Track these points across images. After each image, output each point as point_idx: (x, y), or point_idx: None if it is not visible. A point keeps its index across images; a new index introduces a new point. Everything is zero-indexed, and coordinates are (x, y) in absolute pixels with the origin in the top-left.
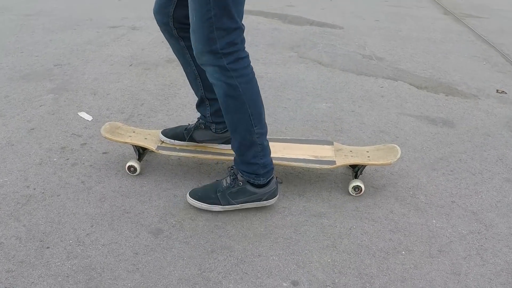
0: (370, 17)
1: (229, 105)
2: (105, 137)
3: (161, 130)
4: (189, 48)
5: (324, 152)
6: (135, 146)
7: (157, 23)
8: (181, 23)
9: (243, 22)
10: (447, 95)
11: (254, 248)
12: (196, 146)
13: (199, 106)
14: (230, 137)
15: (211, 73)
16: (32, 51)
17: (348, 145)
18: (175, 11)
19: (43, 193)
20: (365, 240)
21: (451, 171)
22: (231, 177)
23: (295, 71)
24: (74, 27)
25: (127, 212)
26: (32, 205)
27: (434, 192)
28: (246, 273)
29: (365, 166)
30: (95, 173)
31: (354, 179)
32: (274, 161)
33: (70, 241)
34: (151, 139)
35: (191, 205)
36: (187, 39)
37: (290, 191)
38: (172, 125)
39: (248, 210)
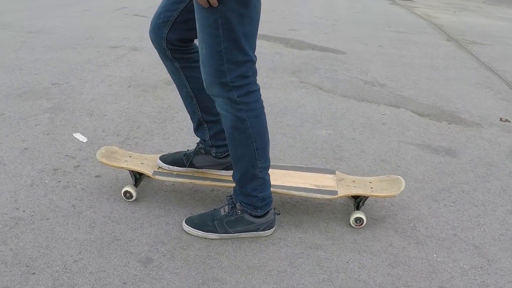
0: (373, 43)
1: (235, 137)
2: (101, 162)
3: (159, 156)
4: (184, 69)
5: (325, 181)
6: (131, 171)
7: (152, 43)
8: (174, 45)
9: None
10: (449, 123)
11: (247, 281)
12: (194, 171)
13: (197, 130)
14: (230, 163)
15: (220, 104)
16: (31, 69)
17: (349, 174)
18: (169, 34)
19: (32, 216)
20: (362, 275)
21: (453, 202)
22: (230, 206)
23: (295, 97)
24: (74, 46)
25: (117, 239)
26: (21, 228)
27: (435, 224)
28: None
29: (368, 197)
30: (86, 197)
31: (356, 211)
32: (273, 189)
33: (57, 268)
34: (147, 164)
35: (185, 232)
36: (182, 60)
37: (286, 221)
38: (168, 149)
39: (242, 241)
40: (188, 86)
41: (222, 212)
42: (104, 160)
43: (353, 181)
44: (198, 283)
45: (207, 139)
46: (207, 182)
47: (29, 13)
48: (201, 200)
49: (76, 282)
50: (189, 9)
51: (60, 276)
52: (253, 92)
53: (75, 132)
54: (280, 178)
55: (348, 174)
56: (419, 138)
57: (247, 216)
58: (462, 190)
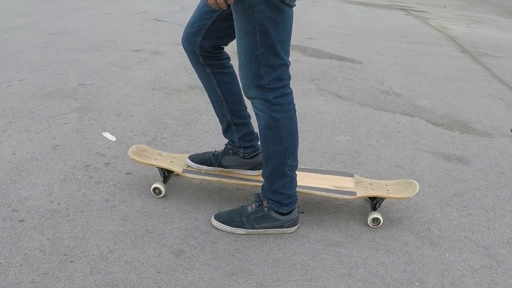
0: (388, 53)
1: (268, 136)
2: (132, 159)
3: (188, 155)
4: (215, 74)
5: (344, 183)
6: (161, 168)
7: (185, 50)
8: (207, 52)
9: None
10: (462, 133)
11: (273, 273)
12: (221, 171)
13: (226, 132)
14: (257, 163)
15: (256, 105)
16: (56, 69)
17: (366, 178)
18: (202, 41)
19: (67, 208)
20: (380, 270)
21: (465, 207)
22: (257, 203)
23: (314, 103)
24: (97, 48)
25: (150, 232)
26: (56, 219)
27: (447, 226)
28: None
29: (384, 199)
30: (118, 193)
31: (373, 211)
32: (299, 190)
33: (94, 257)
34: (177, 162)
35: (213, 227)
36: (213, 66)
37: (308, 220)
38: (194, 150)
39: (268, 236)
40: (219, 91)
41: (250, 209)
42: (135, 157)
43: (371, 184)
44: (227, 274)
45: (235, 140)
46: (234, 181)
47: (50, 15)
48: (227, 198)
49: (113, 270)
50: (222, 18)
51: (97, 264)
52: (287, 94)
53: (104, 131)
54: (301, 180)
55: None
56: (433, 146)
57: (273, 213)
58: (474, 196)
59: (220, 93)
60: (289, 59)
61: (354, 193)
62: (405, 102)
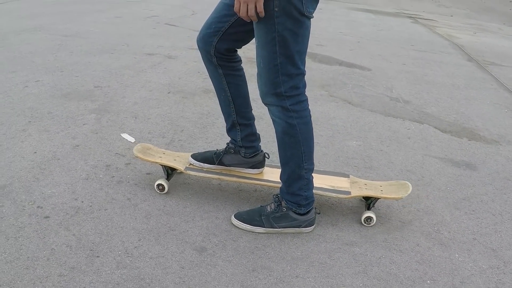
0: (396, 61)
1: (285, 141)
2: (137, 157)
3: (190, 154)
4: (226, 75)
5: (340, 183)
6: (165, 166)
7: (199, 50)
8: (221, 54)
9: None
10: (470, 140)
11: (292, 270)
12: (222, 169)
13: (230, 131)
14: (256, 162)
15: (273, 112)
16: (72, 71)
17: (365, 179)
18: (218, 43)
19: (90, 206)
20: (393, 269)
21: (473, 211)
22: (276, 204)
23: (326, 109)
24: (111, 51)
25: (172, 230)
26: (81, 216)
27: (457, 229)
28: None
29: (378, 199)
30: (140, 192)
31: (367, 211)
32: None
33: (119, 252)
34: (180, 160)
35: (234, 226)
36: (225, 67)
37: (324, 220)
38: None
39: (286, 236)
40: (228, 91)
41: (269, 209)
42: (140, 155)
43: (365, 184)
44: (248, 270)
45: (238, 139)
46: (234, 179)
47: (61, 17)
48: (246, 199)
49: (138, 265)
50: (240, 22)
51: (122, 259)
52: (302, 101)
53: (123, 132)
54: None
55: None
56: (442, 152)
57: (291, 213)
58: (481, 201)
59: (229, 94)
60: None
61: (349, 193)
62: (414, 109)
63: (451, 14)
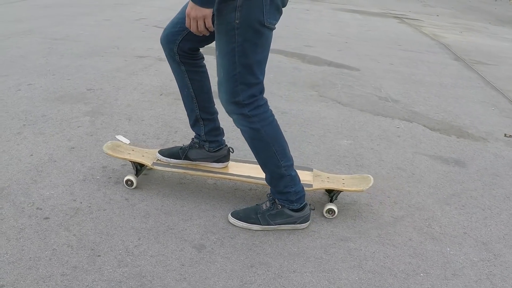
0: (384, 61)
1: (255, 146)
2: (107, 154)
3: (158, 150)
4: (188, 72)
5: (303, 176)
6: (133, 162)
7: (163, 47)
8: (184, 52)
9: None
10: (458, 137)
11: (289, 265)
12: (188, 164)
13: (194, 126)
14: (221, 156)
15: (236, 121)
16: (64, 74)
17: (328, 172)
18: (182, 42)
19: (89, 206)
20: (387, 263)
21: (463, 206)
22: (270, 202)
23: (316, 109)
24: (101, 54)
25: (171, 229)
26: (80, 217)
27: (447, 224)
28: (284, 286)
29: (340, 191)
30: (137, 192)
31: (329, 203)
32: (257, 181)
33: (120, 251)
34: (148, 156)
35: (231, 224)
36: (187, 64)
37: (318, 217)
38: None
39: (282, 233)
40: (191, 87)
41: (264, 207)
42: (110, 152)
43: (328, 177)
44: (247, 266)
45: (202, 134)
46: (199, 173)
47: (50, 21)
48: (241, 197)
49: (139, 264)
50: None
51: (124, 258)
52: (261, 105)
53: (117, 134)
54: (262, 172)
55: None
56: (431, 149)
57: (286, 210)
58: (471, 196)
59: (191, 90)
60: (291, 66)
61: (310, 185)
62: (403, 108)
63: (437, 14)
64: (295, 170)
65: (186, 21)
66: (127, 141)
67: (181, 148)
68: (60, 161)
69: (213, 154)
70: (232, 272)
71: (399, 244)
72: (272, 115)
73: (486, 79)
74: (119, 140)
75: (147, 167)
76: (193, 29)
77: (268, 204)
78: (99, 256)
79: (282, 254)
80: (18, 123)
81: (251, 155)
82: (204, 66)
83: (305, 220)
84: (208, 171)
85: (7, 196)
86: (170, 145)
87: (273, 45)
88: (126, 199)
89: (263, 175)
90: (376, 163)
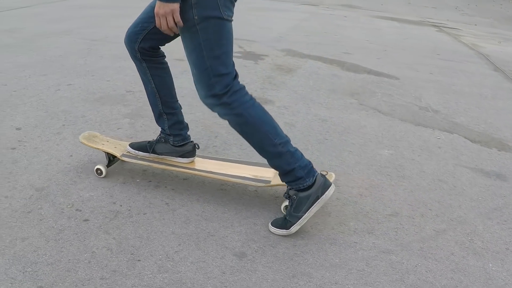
0: (423, 70)
1: (245, 132)
2: (82, 143)
3: (129, 143)
4: (150, 68)
5: (264, 173)
6: (106, 152)
7: (126, 46)
8: (145, 50)
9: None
10: (499, 150)
11: (331, 276)
12: (155, 157)
13: (158, 120)
14: (186, 151)
15: (219, 112)
16: (103, 75)
17: (406, 191)
18: (143, 41)
19: (129, 210)
20: (429, 277)
21: (505, 221)
22: (288, 199)
23: (356, 117)
24: None
25: (212, 235)
26: (120, 220)
27: (489, 239)
28: None
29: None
30: (177, 197)
31: (286, 199)
32: (218, 176)
33: (160, 256)
34: (120, 148)
35: (272, 233)
36: (149, 61)
37: (360, 228)
38: (245, 158)
39: (323, 243)
40: (153, 83)
41: (288, 207)
42: (85, 141)
43: None
44: (289, 276)
45: (166, 128)
46: (163, 166)
47: (86, 22)
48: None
49: (180, 270)
50: None
51: (164, 263)
52: (237, 91)
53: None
54: (226, 169)
55: (406, 191)
56: (472, 162)
57: (301, 194)
58: None
59: (154, 85)
60: (330, 73)
61: (269, 182)
62: (443, 118)
63: (475, 23)
64: (294, 147)
65: (156, 21)
66: None
67: (149, 142)
68: (100, 163)
69: (178, 149)
70: (274, 282)
71: (441, 258)
72: (253, 99)
73: None
74: None
75: (118, 159)
76: (163, 27)
77: (287, 202)
78: (139, 260)
79: (323, 265)
80: (57, 123)
81: (250, 156)
82: (165, 63)
83: (325, 188)
84: (172, 165)
85: (47, 196)
86: (210, 150)
87: (310, 52)
88: (167, 203)
89: (226, 171)
90: (417, 174)
